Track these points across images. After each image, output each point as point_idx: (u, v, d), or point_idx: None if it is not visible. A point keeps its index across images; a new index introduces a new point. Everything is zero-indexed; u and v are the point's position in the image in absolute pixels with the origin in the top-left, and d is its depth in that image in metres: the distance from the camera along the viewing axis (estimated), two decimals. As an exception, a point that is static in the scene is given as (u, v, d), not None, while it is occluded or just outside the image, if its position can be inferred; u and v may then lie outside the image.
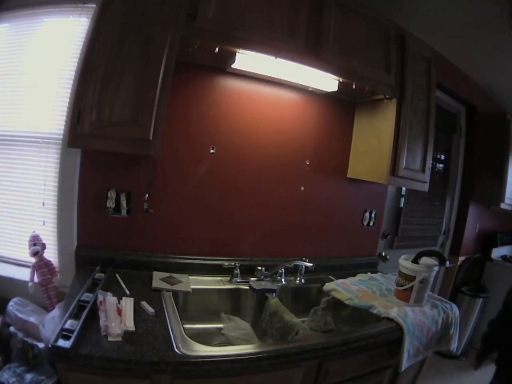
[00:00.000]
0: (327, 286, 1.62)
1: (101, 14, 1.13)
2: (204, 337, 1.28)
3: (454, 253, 2.80)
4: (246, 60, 1.34)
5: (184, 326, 1.10)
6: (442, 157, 2.69)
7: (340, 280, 1.69)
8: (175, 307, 1.19)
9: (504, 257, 3.09)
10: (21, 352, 1.22)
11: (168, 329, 1.04)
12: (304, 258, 1.65)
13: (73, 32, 1.38)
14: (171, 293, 1.30)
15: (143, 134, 1.14)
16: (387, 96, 1.65)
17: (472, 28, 1.89)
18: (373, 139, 1.76)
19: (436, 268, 1.47)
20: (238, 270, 1.55)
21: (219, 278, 1.54)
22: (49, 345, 0.83)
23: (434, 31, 1.93)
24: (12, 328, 1.26)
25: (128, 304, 1.11)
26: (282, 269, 1.64)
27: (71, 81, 1.33)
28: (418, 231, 2.53)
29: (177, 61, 1.19)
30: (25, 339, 1.22)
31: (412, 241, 2.44)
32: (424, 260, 1.50)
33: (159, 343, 0.95)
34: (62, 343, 0.83)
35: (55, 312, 1.25)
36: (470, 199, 2.78)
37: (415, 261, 1.49)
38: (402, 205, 2.32)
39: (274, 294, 1.47)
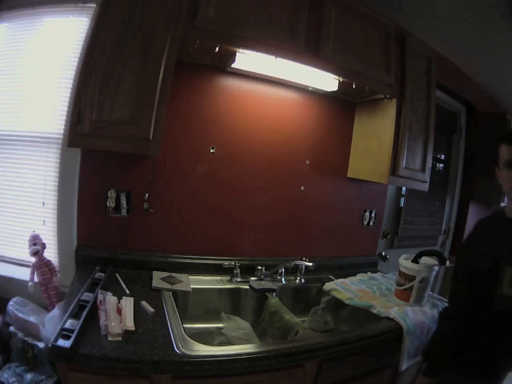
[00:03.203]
0: (327, 286, 1.62)
1: (101, 14, 1.13)
2: (204, 337, 1.28)
3: (454, 253, 2.80)
4: (246, 59, 1.34)
5: (184, 325, 1.10)
6: (442, 157, 2.69)
7: (340, 280, 1.69)
8: (175, 306, 1.19)
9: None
10: (20, 352, 1.22)
11: (168, 328, 1.04)
12: (304, 258, 1.65)
13: (74, 31, 1.38)
14: (171, 292, 1.30)
15: (143, 133, 1.14)
16: (387, 96, 1.65)
17: (472, 28, 1.89)
18: (373, 139, 1.76)
19: (436, 268, 1.47)
20: (238, 269, 1.55)
21: (219, 278, 1.55)
22: (49, 345, 0.83)
23: (434, 31, 1.93)
24: (11, 328, 1.26)
25: (128, 303, 1.11)
26: (282, 269, 1.64)
27: (71, 81, 1.33)
28: (419, 230, 2.53)
29: (177, 60, 1.19)
30: (25, 339, 1.22)
31: (412, 241, 2.44)
32: (424, 260, 1.50)
33: (159, 343, 0.95)
34: (62, 342, 0.83)
35: (55, 311, 1.25)
36: (470, 199, 2.78)
37: (415, 260, 1.49)
38: (402, 205, 2.32)
39: (274, 293, 1.48)
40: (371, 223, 2.08)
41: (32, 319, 1.25)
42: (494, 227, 1.11)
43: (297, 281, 1.68)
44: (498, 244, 1.03)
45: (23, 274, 1.36)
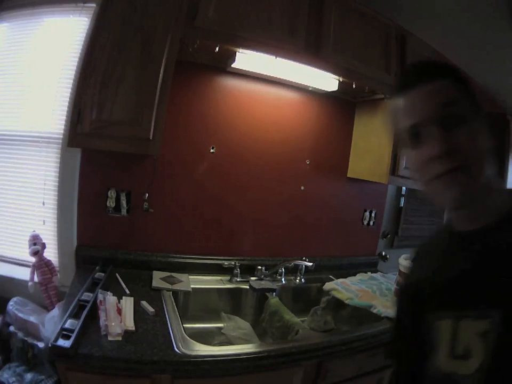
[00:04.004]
0: (327, 286, 1.62)
1: (101, 14, 1.13)
2: (204, 337, 1.28)
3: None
4: (246, 59, 1.34)
5: (184, 325, 1.10)
6: (443, 156, 2.69)
7: (340, 280, 1.69)
8: (175, 306, 1.19)
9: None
10: (21, 352, 1.21)
11: (168, 328, 1.04)
12: (304, 258, 1.65)
13: (74, 31, 1.38)
14: (171, 292, 1.30)
15: (143, 133, 1.14)
16: (387, 96, 1.64)
17: (472, 28, 1.89)
18: (373, 138, 1.76)
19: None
20: (238, 269, 1.55)
21: (219, 278, 1.54)
22: (49, 345, 0.83)
23: (435, 31, 1.93)
24: (11, 328, 1.26)
25: (128, 303, 1.11)
26: (282, 269, 1.64)
27: (71, 81, 1.33)
28: (419, 230, 2.52)
29: (177, 60, 1.19)
30: (25, 338, 1.22)
31: (412, 241, 2.43)
32: (424, 260, 1.50)
33: (159, 343, 0.95)
34: (62, 342, 0.84)
35: (55, 311, 1.25)
36: (470, 199, 2.76)
37: (415, 260, 1.49)
38: (402, 205, 2.32)
39: (274, 293, 1.48)
40: (371, 223, 2.08)
41: (32, 319, 1.25)
42: (435, 253, 0.64)
43: (297, 281, 1.68)
44: (436, 281, 0.58)
45: (23, 274, 1.36)
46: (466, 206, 0.54)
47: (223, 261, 1.58)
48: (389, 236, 2.23)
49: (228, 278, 1.55)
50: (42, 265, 1.34)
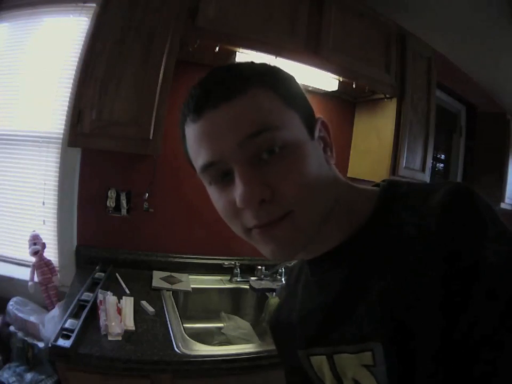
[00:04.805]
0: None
1: (101, 14, 1.14)
2: (203, 337, 1.28)
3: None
4: (246, 59, 1.33)
5: (184, 325, 1.10)
6: (442, 156, 2.69)
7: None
8: (175, 306, 1.20)
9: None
10: (21, 352, 1.21)
11: (168, 328, 1.04)
12: (304, 258, 1.65)
13: (74, 31, 1.38)
14: (171, 292, 1.30)
15: (143, 133, 1.14)
16: (387, 96, 1.65)
17: (472, 28, 1.89)
18: (373, 138, 1.76)
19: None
20: (238, 269, 1.55)
21: (219, 277, 1.54)
22: (49, 345, 0.84)
23: (435, 31, 1.93)
24: (12, 328, 1.26)
25: (128, 303, 1.11)
26: (282, 268, 1.64)
27: (71, 81, 1.33)
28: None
29: (177, 60, 1.19)
30: (25, 338, 1.22)
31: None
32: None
33: (159, 343, 0.95)
34: (62, 342, 0.84)
35: (55, 311, 1.25)
36: (470, 199, 2.76)
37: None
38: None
39: (274, 293, 1.47)
40: (371, 223, 2.07)
41: (32, 319, 1.25)
42: (300, 281, 0.54)
43: (297, 281, 1.68)
44: (300, 315, 0.49)
45: (23, 274, 1.36)
46: (294, 256, 0.44)
47: (223, 261, 1.58)
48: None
49: (228, 278, 1.55)
50: (42, 265, 1.34)
